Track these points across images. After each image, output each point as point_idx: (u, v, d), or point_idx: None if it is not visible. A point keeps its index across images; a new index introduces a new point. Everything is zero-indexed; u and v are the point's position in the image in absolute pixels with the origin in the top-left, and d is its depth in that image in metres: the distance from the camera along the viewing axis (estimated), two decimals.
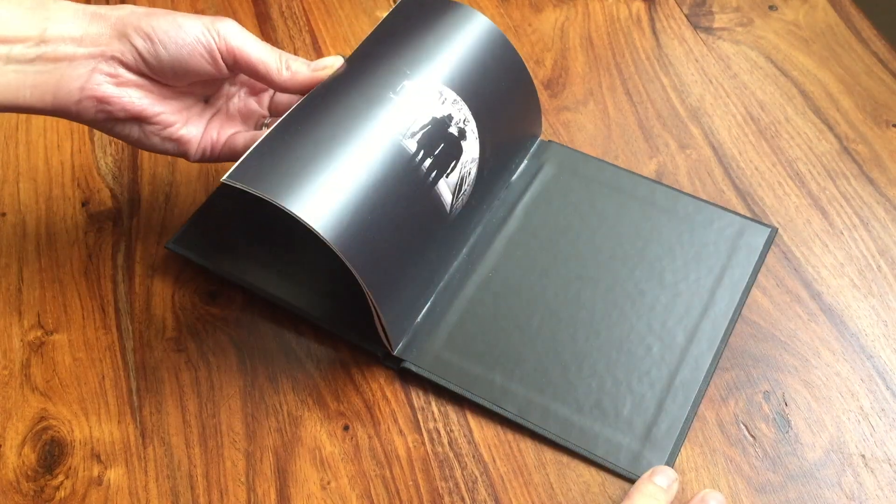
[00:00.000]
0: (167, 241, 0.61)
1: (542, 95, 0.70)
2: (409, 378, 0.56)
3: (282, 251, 0.59)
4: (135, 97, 0.51)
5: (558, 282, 0.58)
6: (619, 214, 0.61)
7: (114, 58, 0.50)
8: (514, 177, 0.63)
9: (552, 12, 0.76)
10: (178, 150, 0.54)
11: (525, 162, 0.64)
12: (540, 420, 0.53)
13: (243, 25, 0.75)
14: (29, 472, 0.52)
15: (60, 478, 0.52)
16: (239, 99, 0.57)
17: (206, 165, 0.65)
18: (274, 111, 0.58)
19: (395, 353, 0.55)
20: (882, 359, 0.56)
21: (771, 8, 0.76)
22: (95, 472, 0.52)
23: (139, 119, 0.52)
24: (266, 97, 0.58)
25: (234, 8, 0.77)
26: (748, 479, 0.52)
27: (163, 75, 0.52)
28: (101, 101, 0.50)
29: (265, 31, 0.75)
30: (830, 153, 0.66)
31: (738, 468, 0.52)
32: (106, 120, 0.52)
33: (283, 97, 0.58)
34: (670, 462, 0.52)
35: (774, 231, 0.61)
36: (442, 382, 0.54)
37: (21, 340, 0.57)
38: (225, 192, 0.62)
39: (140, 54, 0.50)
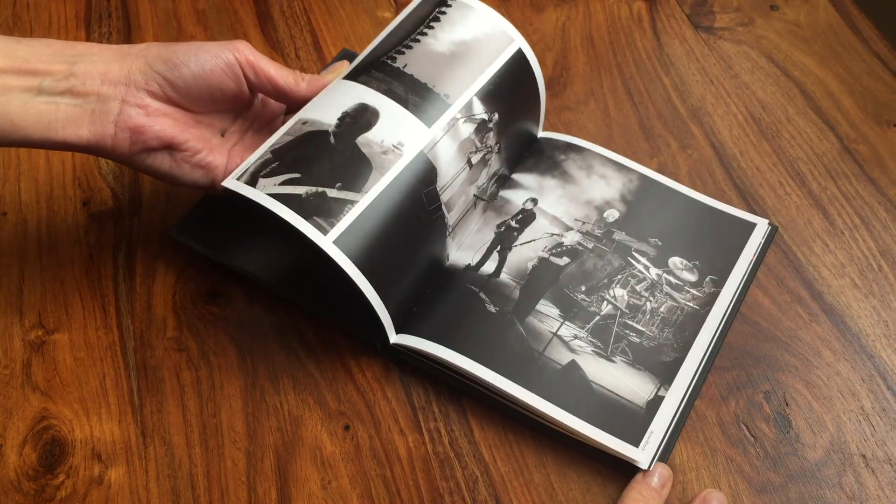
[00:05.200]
0: (171, 234, 0.61)
1: None
2: (410, 377, 0.56)
3: (282, 243, 0.59)
4: (166, 125, 0.53)
5: None
6: None
7: (140, 89, 0.52)
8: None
9: (553, 12, 0.76)
10: (207, 177, 0.56)
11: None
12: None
13: (244, 25, 0.75)
14: (30, 472, 0.52)
15: (61, 477, 0.52)
16: (253, 131, 0.59)
17: None
18: None
19: (392, 342, 0.55)
20: (883, 359, 0.56)
21: (772, 8, 0.76)
22: (96, 472, 0.52)
23: (171, 146, 0.54)
24: (278, 124, 0.60)
25: (235, 7, 0.77)
26: (749, 479, 0.52)
27: (188, 96, 0.54)
28: (135, 131, 0.52)
29: (266, 30, 0.75)
30: (831, 153, 0.66)
31: (739, 468, 0.52)
32: (140, 151, 0.53)
33: None
34: (664, 457, 0.52)
35: (774, 228, 0.61)
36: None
37: (22, 340, 0.57)
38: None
39: (165, 79, 0.53)
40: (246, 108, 0.59)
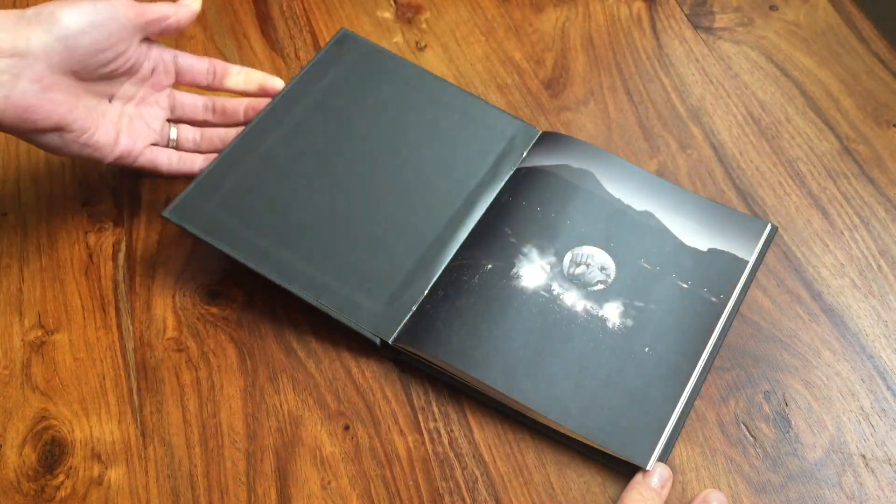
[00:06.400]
0: (166, 223, 0.61)
1: (543, 95, 0.70)
2: (410, 377, 0.56)
3: (283, 232, 0.59)
4: (56, 104, 0.53)
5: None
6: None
7: (38, 59, 0.52)
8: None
9: (553, 12, 0.76)
10: (94, 154, 0.57)
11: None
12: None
13: (243, 25, 0.75)
14: (29, 472, 0.52)
15: (61, 477, 0.52)
16: (140, 98, 0.60)
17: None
18: (176, 110, 0.62)
19: (391, 342, 0.55)
20: (882, 359, 0.56)
21: (772, 8, 0.76)
22: (96, 472, 0.52)
23: (59, 128, 0.54)
24: (164, 97, 0.62)
25: (235, 8, 0.77)
26: (749, 479, 0.52)
27: (84, 69, 0.54)
28: (26, 111, 0.52)
29: (266, 30, 0.75)
30: (831, 153, 0.66)
31: (739, 468, 0.52)
32: (31, 130, 0.54)
33: (185, 98, 0.62)
34: (664, 457, 0.52)
35: (774, 229, 0.61)
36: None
37: (22, 340, 0.57)
38: (229, 161, 0.62)
39: (64, 58, 0.52)
40: (134, 71, 0.59)
